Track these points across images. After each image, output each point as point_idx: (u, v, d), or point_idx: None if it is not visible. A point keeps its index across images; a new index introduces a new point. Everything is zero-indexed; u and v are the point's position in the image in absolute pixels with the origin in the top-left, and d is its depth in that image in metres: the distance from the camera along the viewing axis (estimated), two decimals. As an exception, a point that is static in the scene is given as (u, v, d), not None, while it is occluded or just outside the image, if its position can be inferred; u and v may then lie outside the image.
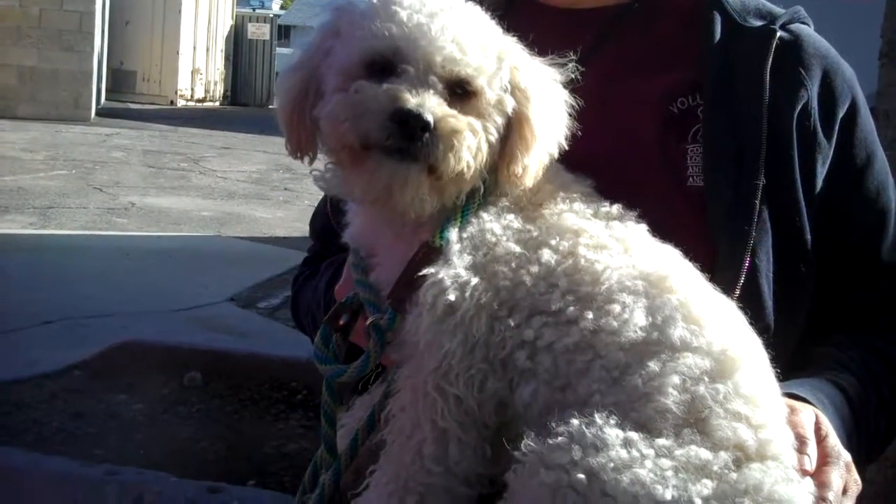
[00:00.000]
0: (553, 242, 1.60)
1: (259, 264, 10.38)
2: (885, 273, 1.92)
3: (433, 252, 1.61)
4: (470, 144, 1.58)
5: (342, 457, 1.74)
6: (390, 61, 1.59)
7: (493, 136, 1.64)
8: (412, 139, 1.55)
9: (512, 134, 1.66)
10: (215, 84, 37.43)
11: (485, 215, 1.65)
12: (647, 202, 1.71)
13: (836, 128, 1.88)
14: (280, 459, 5.63)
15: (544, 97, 1.69)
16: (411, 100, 1.54)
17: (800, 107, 1.84)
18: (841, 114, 1.88)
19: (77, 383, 6.48)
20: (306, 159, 1.75)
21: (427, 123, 1.54)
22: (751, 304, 1.69)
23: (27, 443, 5.51)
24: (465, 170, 1.59)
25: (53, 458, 5.07)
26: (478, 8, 1.72)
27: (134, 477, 4.77)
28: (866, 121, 1.93)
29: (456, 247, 1.60)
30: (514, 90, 1.67)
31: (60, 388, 6.38)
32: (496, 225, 1.63)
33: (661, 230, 1.69)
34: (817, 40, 1.92)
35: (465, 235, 1.62)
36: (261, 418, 6.21)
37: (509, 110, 1.66)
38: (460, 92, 1.61)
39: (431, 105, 1.55)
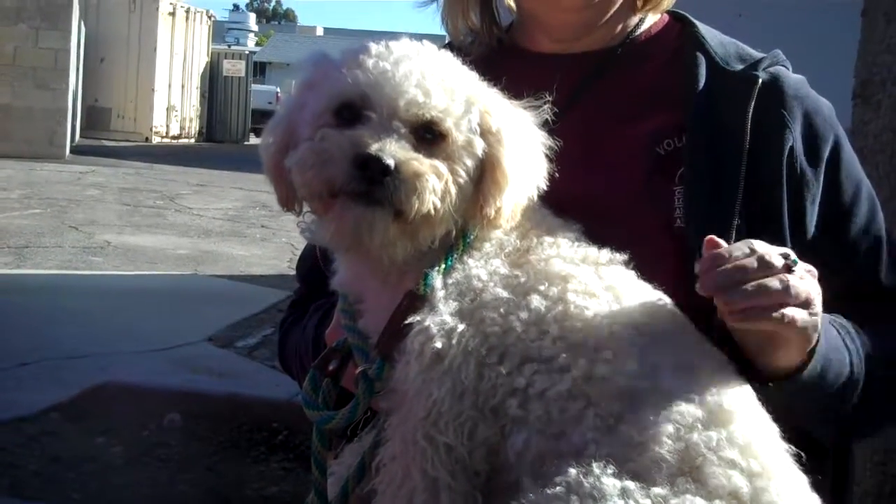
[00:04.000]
0: (542, 288, 1.61)
1: (236, 303, 10.32)
2: (885, 296, 1.95)
3: (418, 300, 1.61)
4: (434, 186, 1.60)
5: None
6: (356, 108, 1.62)
7: (462, 179, 1.65)
8: (374, 183, 1.57)
9: (484, 177, 1.68)
10: (190, 121, 37.45)
11: (470, 261, 1.66)
12: (635, 244, 1.73)
13: (823, 167, 1.90)
14: (260, 502, 5.58)
15: (517, 140, 1.70)
16: (373, 145, 1.56)
17: (787, 149, 1.86)
18: (826, 153, 1.91)
19: (55, 426, 6.40)
20: (296, 211, 1.76)
21: (387, 167, 1.56)
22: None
23: (4, 488, 5.43)
24: (432, 212, 1.60)
25: (32, 503, 5.01)
26: (449, 53, 1.75)
27: (114, 522, 4.72)
28: (850, 154, 1.96)
29: (441, 293, 1.61)
30: (486, 133, 1.69)
31: (38, 431, 6.30)
32: (482, 271, 1.64)
33: (649, 271, 1.70)
34: (796, 81, 1.95)
35: (450, 282, 1.63)
36: (241, 460, 6.15)
37: (479, 153, 1.67)
38: (429, 136, 1.63)
39: (393, 149, 1.57)
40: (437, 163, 1.61)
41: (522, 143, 1.71)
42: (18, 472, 5.71)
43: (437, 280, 1.63)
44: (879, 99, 3.98)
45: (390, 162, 1.56)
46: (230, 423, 6.60)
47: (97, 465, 5.92)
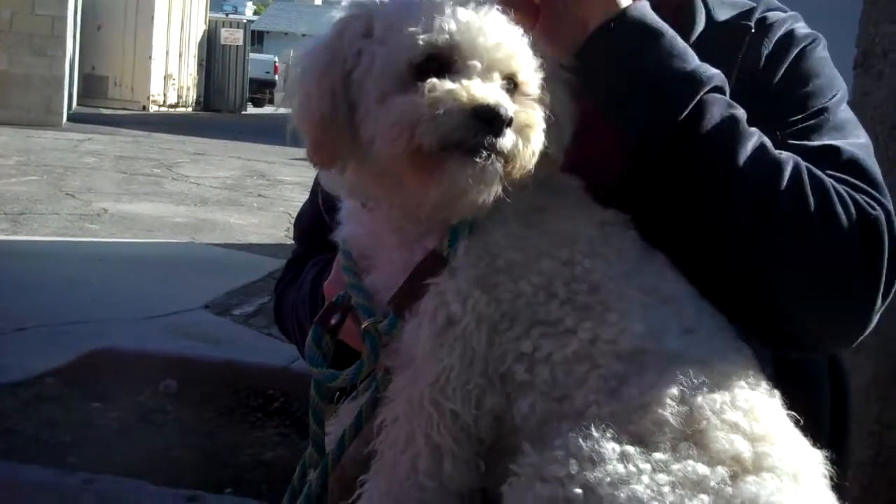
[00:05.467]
0: (553, 250, 1.59)
1: (233, 271, 10.30)
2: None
3: (439, 261, 1.58)
4: (538, 138, 1.56)
5: (330, 456, 1.73)
6: (448, 58, 1.54)
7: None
8: (497, 136, 1.50)
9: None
10: (188, 89, 37.36)
11: (488, 223, 1.62)
12: (630, 194, 1.71)
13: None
14: (257, 467, 5.58)
15: (564, 90, 1.68)
16: (491, 95, 1.50)
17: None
18: (791, 55, 1.89)
19: (51, 391, 6.39)
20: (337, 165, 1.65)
21: (511, 118, 1.49)
22: None
23: (0, 452, 5.44)
24: (530, 165, 1.56)
25: (28, 467, 5.01)
26: None
27: (110, 485, 4.72)
28: (821, 54, 1.93)
29: (462, 259, 1.58)
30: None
31: (34, 396, 6.29)
32: (499, 234, 1.61)
33: (642, 224, 1.69)
34: (784, 17, 1.95)
35: (470, 245, 1.60)
36: (237, 426, 6.16)
37: (546, 107, 1.62)
38: (510, 87, 1.58)
39: (506, 100, 1.52)
40: (537, 113, 1.57)
41: (568, 103, 1.68)
42: (14, 436, 5.70)
43: (461, 243, 1.60)
44: (881, 69, 3.97)
45: (512, 113, 1.50)
46: (226, 390, 6.59)
47: (93, 430, 5.92)
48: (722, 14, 1.94)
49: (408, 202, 1.61)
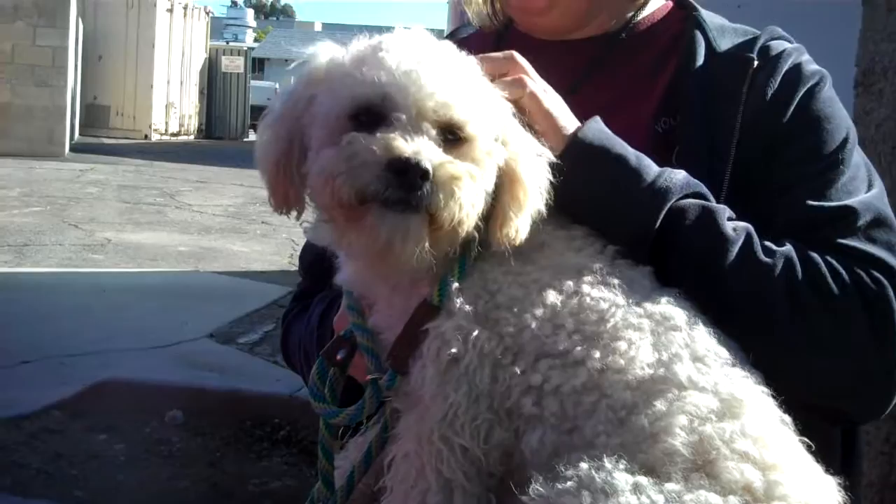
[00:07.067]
0: (557, 283, 1.58)
1: (237, 299, 10.32)
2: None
3: (433, 310, 1.58)
4: (469, 191, 1.53)
5: (339, 492, 1.73)
6: (380, 110, 1.54)
7: (489, 187, 1.59)
8: (412, 188, 1.49)
9: (503, 194, 1.61)
10: (189, 118, 37.47)
11: (484, 265, 1.61)
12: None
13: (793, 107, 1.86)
14: (263, 498, 5.57)
15: (531, 154, 1.64)
16: (407, 147, 1.48)
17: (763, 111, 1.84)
18: (797, 96, 1.87)
19: (56, 424, 6.39)
20: (293, 214, 1.69)
21: (426, 171, 1.48)
22: None
23: (6, 486, 5.42)
24: (465, 219, 1.53)
25: (35, 501, 5.00)
26: (471, 58, 1.67)
27: (117, 519, 4.71)
28: (827, 95, 1.90)
29: (457, 300, 1.58)
30: (504, 144, 1.62)
31: (39, 428, 6.28)
32: (496, 273, 1.60)
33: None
34: (787, 50, 1.93)
35: (464, 286, 1.59)
36: (243, 456, 6.14)
37: (501, 162, 1.60)
38: (452, 138, 1.56)
39: (428, 152, 1.50)
40: (470, 166, 1.54)
41: (535, 158, 1.64)
42: (21, 470, 5.69)
43: (452, 288, 1.58)
44: (881, 88, 3.96)
45: (428, 165, 1.48)
46: (232, 419, 6.58)
47: (99, 462, 5.91)
48: (724, 43, 1.93)
49: (352, 252, 1.63)
